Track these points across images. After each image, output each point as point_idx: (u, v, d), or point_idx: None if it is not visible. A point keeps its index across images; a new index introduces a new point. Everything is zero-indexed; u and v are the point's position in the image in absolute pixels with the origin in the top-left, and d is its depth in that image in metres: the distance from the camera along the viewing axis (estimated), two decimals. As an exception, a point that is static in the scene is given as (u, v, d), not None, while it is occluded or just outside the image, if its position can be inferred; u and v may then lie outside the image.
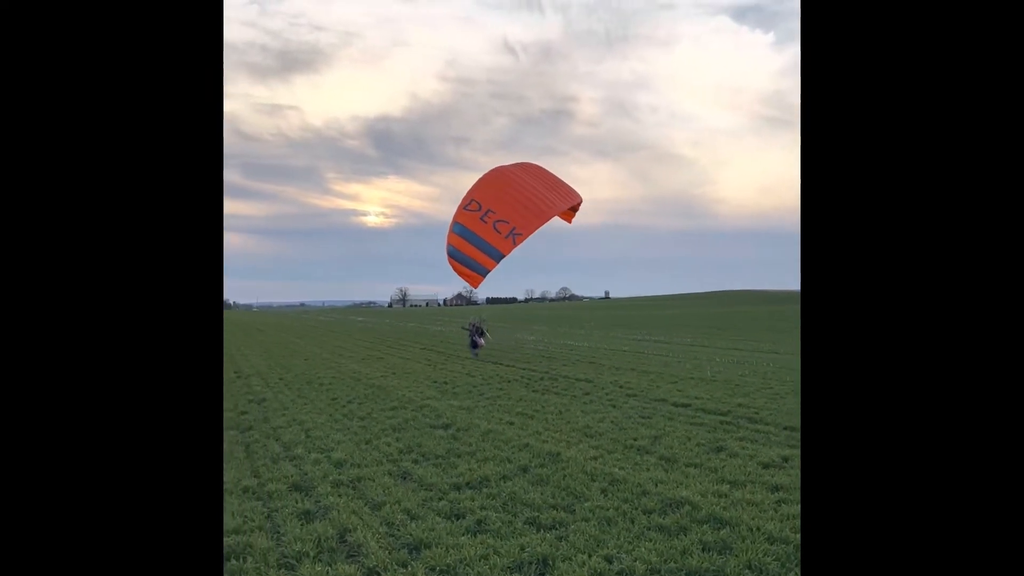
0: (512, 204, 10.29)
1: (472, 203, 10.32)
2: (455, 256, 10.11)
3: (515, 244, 9.86)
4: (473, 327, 25.08)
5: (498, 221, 9.87)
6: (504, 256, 9.88)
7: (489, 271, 9.89)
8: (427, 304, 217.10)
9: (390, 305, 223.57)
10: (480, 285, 10.21)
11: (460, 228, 10.10)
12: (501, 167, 11.76)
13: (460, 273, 10.27)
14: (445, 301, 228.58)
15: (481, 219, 9.98)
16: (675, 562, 5.26)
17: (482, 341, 24.66)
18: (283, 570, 5.27)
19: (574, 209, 12.34)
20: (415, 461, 8.62)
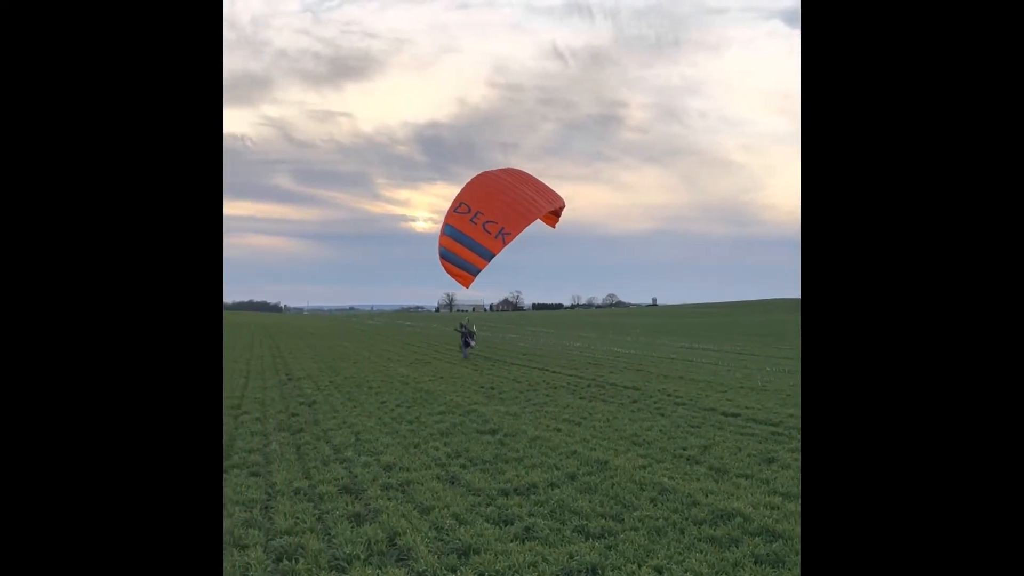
0: (500, 206, 10.69)
1: (462, 206, 10.71)
2: (447, 257, 10.50)
3: (504, 244, 10.20)
4: (465, 330, 27.47)
5: (487, 222, 10.26)
6: (494, 255, 10.17)
7: (480, 270, 10.23)
8: (473, 309, 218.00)
9: (437, 310, 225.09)
10: (471, 285, 10.46)
11: (451, 230, 10.50)
12: (487, 172, 12.13)
13: (452, 273, 10.60)
14: (492, 306, 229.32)
15: (471, 220, 10.41)
16: (726, 574, 5.19)
17: (472, 342, 27.24)
18: (334, 572, 5.33)
19: (557, 214, 12.64)
20: (463, 466, 8.65)
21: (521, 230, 10.52)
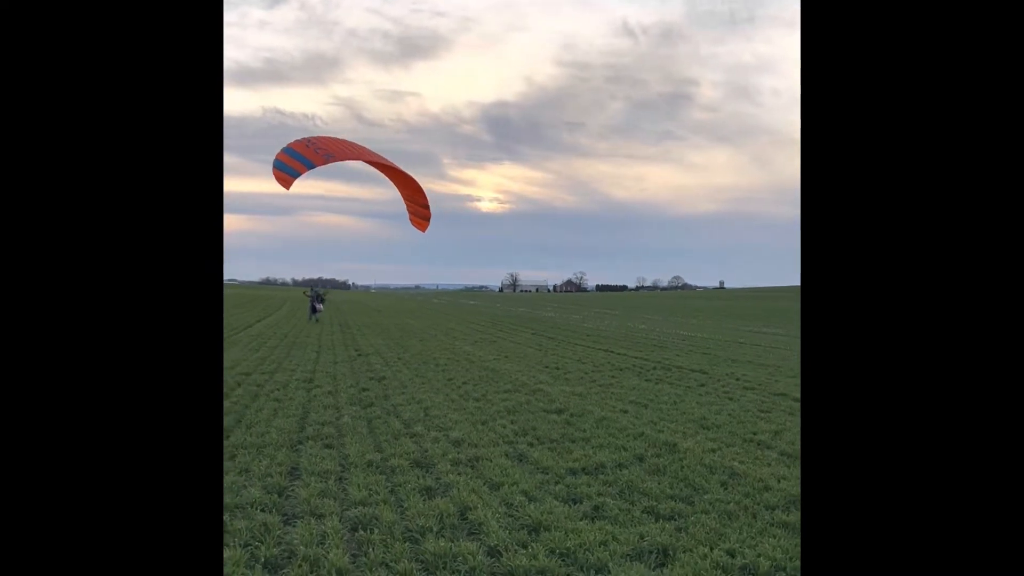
0: (338, 146, 12.70)
1: (305, 139, 12.83)
2: (277, 165, 12.65)
3: (324, 162, 12.31)
4: (315, 295, 32.03)
5: (318, 149, 12.48)
6: (314, 166, 12.27)
7: (299, 174, 12.36)
8: (537, 290, 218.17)
9: (501, 290, 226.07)
10: (291, 187, 12.35)
11: (288, 149, 12.69)
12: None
13: (277, 178, 12.64)
14: (555, 287, 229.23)
15: (306, 145, 12.64)
16: (801, 561, 5.11)
17: (320, 307, 30.56)
18: (408, 543, 5.44)
19: (423, 216, 13.69)
20: (530, 444, 8.71)
21: (343, 160, 12.57)
